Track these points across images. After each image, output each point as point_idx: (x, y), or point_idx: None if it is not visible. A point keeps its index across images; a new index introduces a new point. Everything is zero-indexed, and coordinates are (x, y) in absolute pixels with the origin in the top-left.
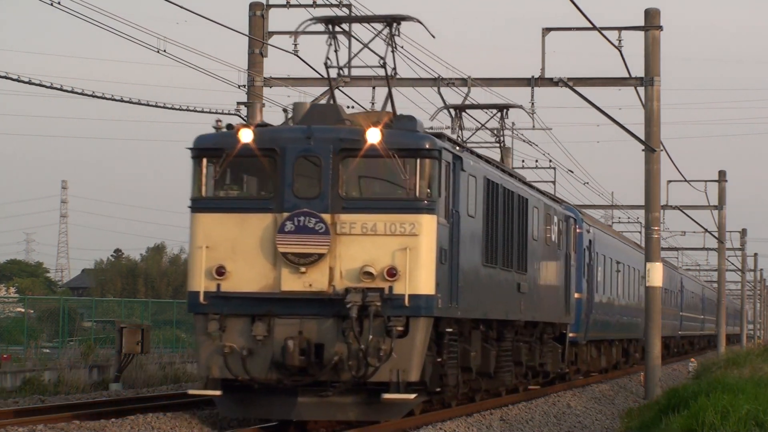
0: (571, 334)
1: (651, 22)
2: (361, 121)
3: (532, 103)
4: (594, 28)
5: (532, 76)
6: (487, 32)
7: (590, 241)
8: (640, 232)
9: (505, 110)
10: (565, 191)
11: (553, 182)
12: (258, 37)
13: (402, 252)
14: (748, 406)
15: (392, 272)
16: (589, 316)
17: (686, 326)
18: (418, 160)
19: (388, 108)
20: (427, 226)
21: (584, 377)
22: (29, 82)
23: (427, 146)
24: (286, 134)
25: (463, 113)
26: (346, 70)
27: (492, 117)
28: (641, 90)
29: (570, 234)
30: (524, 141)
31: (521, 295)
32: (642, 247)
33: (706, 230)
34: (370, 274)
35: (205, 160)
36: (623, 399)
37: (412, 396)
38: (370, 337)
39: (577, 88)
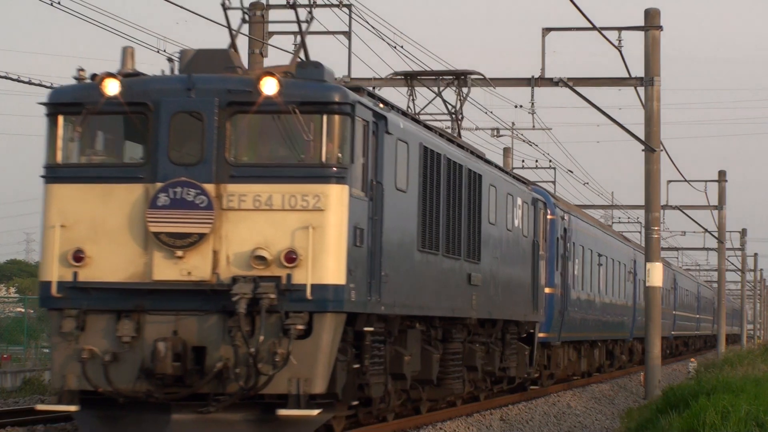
0: (541, 334)
1: (651, 22)
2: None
3: (532, 103)
4: (594, 28)
5: (532, 76)
6: (487, 32)
7: (565, 229)
8: (640, 232)
9: (462, 78)
10: (565, 191)
11: (553, 182)
12: (258, 37)
13: (304, 231)
14: (747, 406)
15: (291, 257)
16: (564, 314)
17: (680, 326)
18: (325, 117)
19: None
20: (336, 198)
21: (560, 382)
22: (29, 82)
23: (337, 99)
24: (161, 85)
25: (416, 80)
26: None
27: (448, 85)
28: (641, 90)
29: (538, 220)
30: (524, 141)
31: (473, 288)
32: (629, 240)
33: (706, 230)
34: (263, 258)
35: (61, 119)
36: (623, 399)
37: (316, 412)
38: (261, 337)
39: (577, 88)
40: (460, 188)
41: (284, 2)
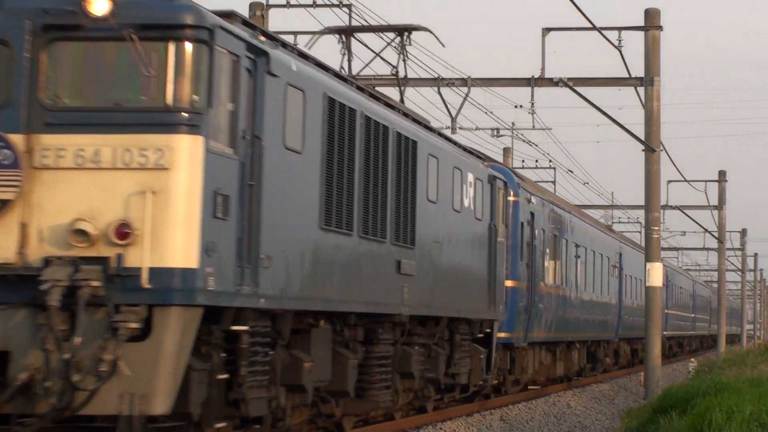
0: (502, 334)
1: (651, 22)
2: None
3: (532, 103)
4: (594, 28)
5: (532, 76)
6: (487, 32)
7: (532, 213)
8: (640, 232)
9: (406, 34)
10: (565, 191)
11: (553, 182)
12: None
13: (141, 197)
14: (751, 407)
15: (124, 231)
16: (531, 311)
17: (673, 325)
18: (173, 45)
19: None
20: (186, 153)
21: (531, 388)
22: None
23: (189, 21)
24: None
25: (353, 38)
26: None
27: (390, 43)
28: (641, 90)
29: (497, 201)
30: (524, 141)
31: (404, 279)
32: (613, 231)
33: (706, 230)
34: (85, 233)
35: None
36: (623, 399)
37: None
38: (79, 339)
39: (577, 88)
40: (385, 155)
41: (284, 2)
